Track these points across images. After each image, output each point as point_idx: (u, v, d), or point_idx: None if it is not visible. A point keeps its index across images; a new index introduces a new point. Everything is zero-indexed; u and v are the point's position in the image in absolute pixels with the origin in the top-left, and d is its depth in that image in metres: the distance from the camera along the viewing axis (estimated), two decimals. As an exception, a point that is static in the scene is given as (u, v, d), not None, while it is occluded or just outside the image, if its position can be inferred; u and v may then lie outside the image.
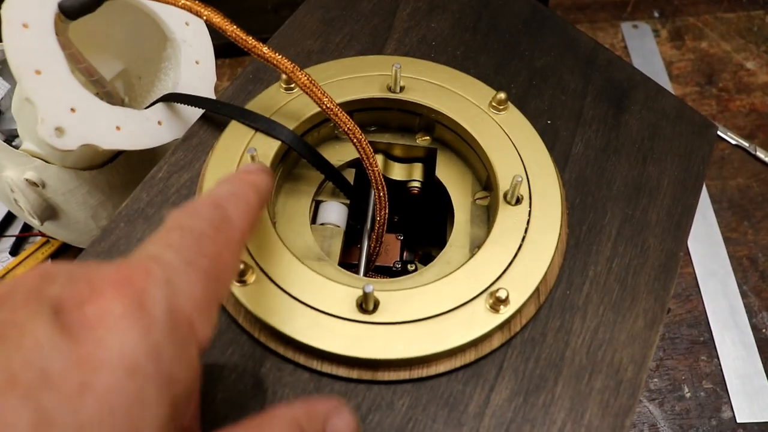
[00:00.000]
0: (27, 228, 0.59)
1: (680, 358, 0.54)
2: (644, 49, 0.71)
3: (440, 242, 0.41)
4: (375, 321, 0.31)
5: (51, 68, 0.38)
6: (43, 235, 0.58)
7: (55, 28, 0.39)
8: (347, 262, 0.40)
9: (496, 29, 0.45)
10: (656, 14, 0.75)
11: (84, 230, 0.49)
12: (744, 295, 0.57)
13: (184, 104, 0.40)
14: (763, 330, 0.55)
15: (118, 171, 0.47)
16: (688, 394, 0.52)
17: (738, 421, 0.51)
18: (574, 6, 0.75)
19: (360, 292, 0.31)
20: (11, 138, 0.54)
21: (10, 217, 0.60)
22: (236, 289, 0.31)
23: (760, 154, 0.64)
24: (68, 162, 0.45)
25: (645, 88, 0.43)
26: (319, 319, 0.31)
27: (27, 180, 0.46)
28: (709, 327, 0.55)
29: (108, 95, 0.49)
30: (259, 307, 0.31)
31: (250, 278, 0.31)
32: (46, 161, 0.45)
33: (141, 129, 0.40)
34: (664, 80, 0.68)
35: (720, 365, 0.53)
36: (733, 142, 0.65)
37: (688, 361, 0.54)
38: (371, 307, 0.31)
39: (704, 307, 0.56)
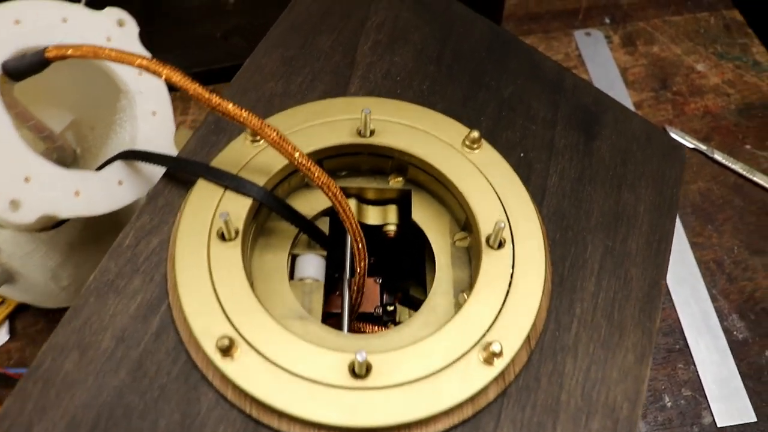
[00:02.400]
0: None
1: (658, 368, 0.54)
2: (599, 57, 0.71)
3: (419, 281, 0.41)
4: (369, 386, 0.30)
5: (-1, 136, 0.36)
6: (-3, 295, 0.55)
7: (0, 89, 0.37)
8: (329, 311, 0.39)
9: (459, 59, 0.44)
10: (607, 20, 0.76)
11: (44, 291, 0.47)
12: (714, 299, 0.58)
13: (146, 162, 0.38)
14: (734, 332, 0.56)
15: (76, 228, 0.45)
16: (669, 404, 0.52)
17: (718, 425, 0.52)
18: (527, 17, 0.75)
19: (350, 356, 0.30)
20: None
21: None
22: (223, 363, 0.30)
23: (718, 156, 0.65)
24: (22, 227, 0.43)
25: (613, 112, 0.43)
26: (312, 388, 0.30)
27: (-21, 245, 0.43)
28: (684, 334, 0.56)
29: (60, 149, 0.46)
30: (248, 381, 0.30)
31: (236, 352, 0.30)
32: (-2, 225, 0.43)
33: (101, 192, 0.38)
34: (620, 87, 0.69)
35: (697, 371, 0.54)
36: (691, 146, 0.66)
37: (666, 370, 0.54)
38: (364, 371, 0.30)
39: (677, 315, 0.57)
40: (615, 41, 0.74)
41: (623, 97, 0.68)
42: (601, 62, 0.71)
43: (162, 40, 0.68)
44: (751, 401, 0.53)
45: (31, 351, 0.52)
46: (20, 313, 0.54)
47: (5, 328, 0.54)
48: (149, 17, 0.70)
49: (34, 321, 0.54)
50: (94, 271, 0.33)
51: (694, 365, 0.55)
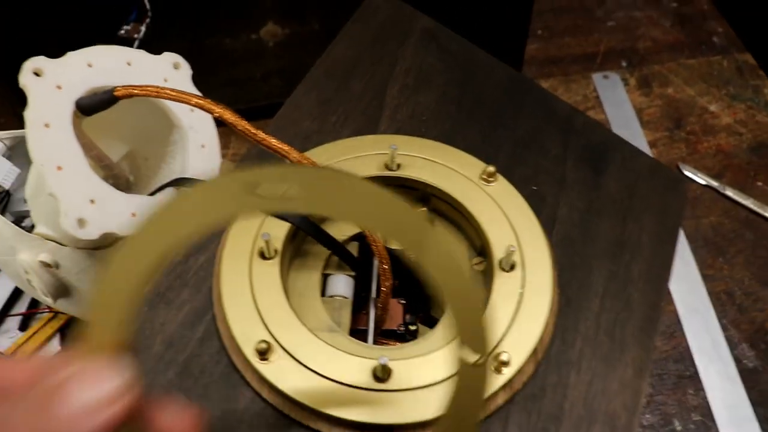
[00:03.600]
0: (34, 303, 0.61)
1: (669, 393, 0.57)
2: (616, 98, 0.75)
3: (439, 303, 0.44)
4: (390, 389, 0.33)
5: (71, 163, 0.41)
6: (50, 309, 0.60)
7: (72, 123, 0.42)
8: (356, 328, 0.42)
9: (479, 101, 0.48)
10: (624, 64, 0.80)
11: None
12: (724, 328, 0.60)
13: (196, 189, 0.43)
14: (744, 361, 0.58)
15: (130, 249, 0.50)
16: (678, 428, 0.55)
17: (728, 450, 0.54)
18: (548, 60, 0.79)
19: (373, 362, 0.34)
20: (20, 219, 0.57)
21: (16, 294, 0.62)
22: (260, 365, 0.34)
23: (729, 192, 0.68)
24: (81, 243, 0.48)
25: (621, 150, 0.47)
26: (338, 389, 0.33)
27: (41, 262, 0.48)
28: (694, 361, 0.58)
29: (115, 177, 0.51)
30: (282, 382, 0.33)
31: (272, 356, 0.34)
32: (59, 243, 0.48)
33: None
34: (636, 127, 0.72)
35: (706, 398, 0.56)
36: (703, 183, 0.69)
37: (677, 396, 0.57)
38: (386, 375, 0.34)
39: (688, 343, 0.59)
40: (631, 83, 0.78)
41: (639, 136, 0.72)
42: (617, 103, 0.75)
43: (206, 81, 0.74)
44: (761, 428, 0.55)
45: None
46: (70, 328, 0.59)
47: (57, 339, 0.58)
48: (195, 59, 0.76)
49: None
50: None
51: (704, 391, 0.57)
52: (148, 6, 0.78)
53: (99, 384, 0.21)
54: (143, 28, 0.77)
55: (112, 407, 0.20)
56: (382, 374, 0.33)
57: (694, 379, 0.57)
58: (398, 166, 0.42)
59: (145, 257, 0.23)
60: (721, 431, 0.55)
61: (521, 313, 0.37)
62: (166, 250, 0.23)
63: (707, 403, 0.56)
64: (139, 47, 0.76)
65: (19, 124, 0.42)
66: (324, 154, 0.42)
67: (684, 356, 0.58)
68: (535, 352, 0.36)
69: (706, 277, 0.63)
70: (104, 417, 0.20)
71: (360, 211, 0.24)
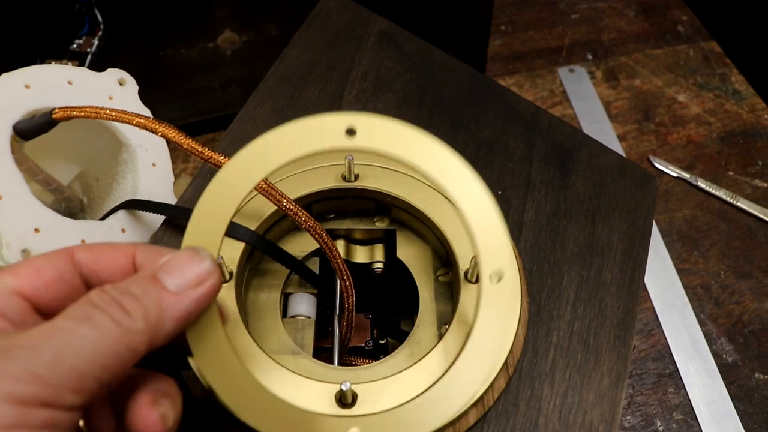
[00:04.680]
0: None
1: (649, 393, 0.56)
2: (583, 92, 0.74)
3: (408, 314, 0.43)
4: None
5: (11, 191, 0.38)
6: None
7: (11, 148, 0.40)
8: (321, 346, 0.41)
9: (439, 103, 0.47)
10: (590, 56, 0.79)
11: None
12: (702, 323, 0.59)
13: (146, 211, 0.41)
14: (724, 356, 0.58)
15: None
16: (661, 428, 0.54)
17: (711, 447, 0.53)
18: (512, 55, 0.78)
19: (337, 387, 0.32)
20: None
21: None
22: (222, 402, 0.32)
23: (701, 183, 0.67)
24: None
25: (587, 147, 0.46)
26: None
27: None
28: (673, 359, 0.57)
29: (67, 200, 0.49)
30: (243, 413, 0.32)
31: (230, 386, 0.32)
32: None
33: (105, 240, 0.40)
34: (604, 120, 0.71)
35: (687, 395, 0.55)
36: (675, 175, 0.68)
37: (657, 395, 0.55)
38: (350, 400, 0.32)
39: (666, 340, 0.58)
40: (598, 76, 0.76)
41: (608, 130, 0.71)
42: (585, 97, 0.74)
43: (164, 92, 0.72)
44: (742, 423, 0.54)
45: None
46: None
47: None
48: (152, 71, 0.74)
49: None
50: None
51: (685, 389, 0.56)
52: (100, 18, 0.76)
53: (190, 267, 0.26)
54: (96, 41, 0.75)
55: (202, 287, 0.26)
56: (345, 399, 0.32)
57: (674, 377, 0.56)
58: (356, 176, 0.40)
59: (243, 178, 0.29)
60: (704, 429, 0.54)
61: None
62: (263, 174, 0.29)
63: (688, 401, 0.55)
64: (92, 61, 0.74)
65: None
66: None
67: (663, 354, 0.57)
68: (506, 365, 0.35)
69: (681, 272, 0.62)
70: (197, 295, 0.26)
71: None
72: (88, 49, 0.74)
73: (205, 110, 0.70)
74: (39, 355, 0.22)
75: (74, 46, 0.74)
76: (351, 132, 0.30)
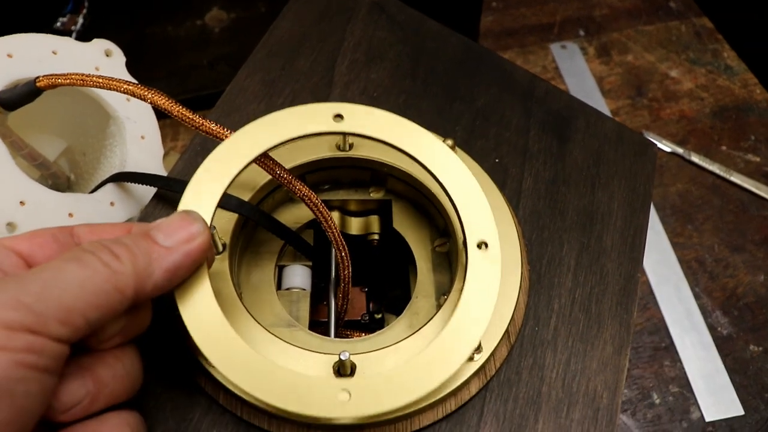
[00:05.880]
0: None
1: (645, 366, 0.55)
2: (575, 68, 0.73)
3: (404, 288, 0.42)
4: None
5: (-6, 164, 0.37)
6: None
7: (-6, 120, 0.39)
8: (317, 320, 0.40)
9: (433, 73, 0.46)
10: (582, 33, 0.78)
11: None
12: (697, 296, 0.59)
13: (136, 183, 0.39)
14: (719, 329, 0.57)
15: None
16: (657, 401, 0.54)
17: (707, 420, 0.53)
18: (504, 32, 0.77)
19: (335, 358, 0.31)
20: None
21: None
22: (213, 370, 0.31)
23: (695, 158, 0.66)
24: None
25: (584, 115, 0.45)
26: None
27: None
28: (669, 332, 0.57)
29: (54, 176, 0.48)
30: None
31: (225, 358, 0.31)
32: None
33: (94, 213, 0.39)
34: (597, 96, 0.71)
35: (683, 368, 0.55)
36: (669, 150, 0.67)
37: (653, 368, 0.55)
38: (348, 371, 0.31)
39: (662, 314, 0.58)
40: (590, 52, 0.76)
41: (600, 105, 0.70)
42: (577, 73, 0.73)
43: (151, 70, 0.71)
44: (738, 395, 0.54)
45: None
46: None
47: None
48: (138, 49, 0.72)
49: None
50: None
51: (681, 362, 0.56)
52: (84, -5, 0.74)
53: (181, 227, 0.27)
54: (81, 20, 0.73)
55: (192, 243, 0.27)
56: (344, 370, 0.31)
57: (670, 350, 0.56)
58: (350, 146, 0.39)
59: (237, 157, 0.32)
60: (700, 401, 0.54)
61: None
62: (256, 154, 0.32)
63: (684, 374, 0.55)
64: (77, 39, 0.72)
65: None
66: (271, 138, 0.39)
67: (659, 327, 0.57)
68: (507, 334, 0.34)
69: (676, 246, 0.62)
70: (186, 249, 0.27)
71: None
72: (73, 27, 0.72)
73: (193, 88, 0.69)
74: (26, 286, 0.23)
75: (58, 24, 0.73)
76: (339, 117, 0.34)
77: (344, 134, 0.35)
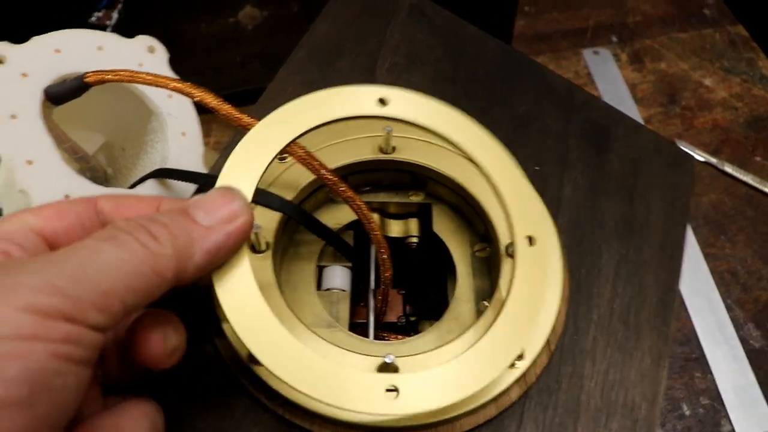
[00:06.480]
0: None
1: (676, 377, 0.55)
2: (608, 75, 0.73)
3: (440, 292, 0.42)
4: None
5: (42, 157, 0.38)
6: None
7: (42, 113, 0.39)
8: (355, 321, 0.40)
9: (473, 78, 0.46)
10: (614, 39, 0.78)
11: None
12: (729, 308, 0.58)
13: (178, 180, 0.40)
14: (751, 341, 0.57)
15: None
16: (687, 412, 0.53)
17: (737, 433, 0.53)
18: (536, 36, 0.77)
19: (378, 360, 0.31)
20: (-8, 217, 0.54)
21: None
22: (256, 369, 0.31)
23: (728, 168, 0.66)
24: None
25: (622, 125, 0.45)
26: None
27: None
28: (700, 343, 0.57)
29: (92, 170, 0.48)
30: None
31: (269, 357, 0.31)
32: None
33: (136, 209, 0.40)
34: (629, 104, 0.70)
35: (714, 380, 0.55)
36: (702, 159, 0.67)
37: (684, 379, 0.55)
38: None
39: (693, 325, 0.57)
40: (623, 59, 0.75)
41: (633, 113, 0.70)
42: (610, 80, 0.73)
43: (183, 67, 0.71)
44: (770, 409, 0.54)
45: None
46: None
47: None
48: (171, 45, 0.73)
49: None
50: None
51: (712, 374, 0.55)
52: (119, -9, 0.75)
53: (222, 205, 0.26)
54: (115, 15, 0.74)
55: (233, 223, 0.25)
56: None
57: (701, 361, 0.56)
58: (393, 148, 0.39)
59: (278, 135, 0.30)
60: (731, 414, 0.53)
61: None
62: (295, 134, 0.30)
63: (715, 385, 0.54)
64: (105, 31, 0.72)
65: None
66: (314, 139, 0.39)
67: (689, 338, 0.57)
68: (547, 342, 0.34)
69: (708, 256, 0.61)
70: (228, 230, 0.25)
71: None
72: (107, 22, 0.73)
73: (225, 86, 0.69)
74: (61, 268, 0.21)
75: (93, 18, 0.73)
76: (383, 102, 0.32)
77: (388, 119, 0.32)
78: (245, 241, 0.27)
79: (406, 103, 0.32)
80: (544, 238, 0.33)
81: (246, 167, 0.29)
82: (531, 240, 0.31)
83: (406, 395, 0.28)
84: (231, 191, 0.26)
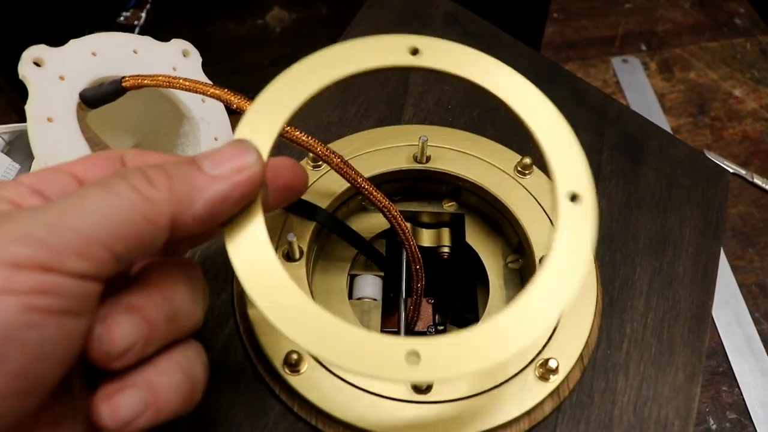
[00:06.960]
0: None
1: (702, 390, 0.54)
2: (636, 83, 0.72)
3: (470, 303, 0.42)
4: (430, 400, 0.31)
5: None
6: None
7: (77, 116, 0.39)
8: (385, 330, 0.40)
9: (506, 87, 0.46)
10: (644, 47, 0.77)
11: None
12: (757, 322, 0.58)
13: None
14: (779, 356, 0.56)
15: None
16: (714, 426, 0.53)
17: (764, 448, 0.52)
18: (564, 44, 0.76)
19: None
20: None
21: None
22: (290, 378, 0.31)
23: (758, 180, 0.65)
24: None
25: (657, 138, 0.44)
26: (375, 402, 0.31)
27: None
28: (727, 357, 0.56)
29: (123, 172, 0.49)
30: (314, 394, 0.31)
31: (303, 367, 0.31)
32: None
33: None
34: (658, 113, 0.70)
35: (741, 394, 0.54)
36: (731, 171, 0.66)
37: (710, 393, 0.54)
38: (425, 387, 0.31)
39: (720, 338, 0.57)
40: (652, 68, 0.75)
41: (661, 122, 0.69)
42: (638, 88, 0.72)
43: (211, 69, 0.71)
44: (797, 426, 0.53)
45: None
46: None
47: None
48: (199, 46, 0.73)
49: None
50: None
51: (739, 388, 0.55)
52: (148, -9, 0.75)
53: (233, 157, 0.24)
54: (143, 15, 0.74)
55: (242, 173, 0.24)
56: (421, 386, 0.31)
57: (728, 375, 0.55)
58: (428, 158, 0.39)
59: (301, 87, 0.28)
60: (758, 429, 0.53)
61: (566, 316, 0.34)
62: (323, 84, 0.28)
63: (743, 400, 0.54)
64: (139, 35, 0.73)
65: (18, 117, 0.39)
66: (348, 146, 0.39)
67: (716, 351, 0.56)
68: (581, 356, 0.34)
69: (735, 269, 0.60)
70: (235, 180, 0.23)
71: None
72: (136, 22, 0.73)
73: (254, 88, 0.69)
74: (40, 217, 0.20)
75: (121, 18, 0.74)
76: (415, 52, 0.30)
77: (421, 69, 0.30)
78: (254, 194, 0.25)
79: (440, 53, 0.30)
80: (591, 188, 0.29)
81: (266, 119, 0.27)
82: (577, 196, 0.28)
83: (427, 361, 0.24)
84: (244, 143, 0.25)
